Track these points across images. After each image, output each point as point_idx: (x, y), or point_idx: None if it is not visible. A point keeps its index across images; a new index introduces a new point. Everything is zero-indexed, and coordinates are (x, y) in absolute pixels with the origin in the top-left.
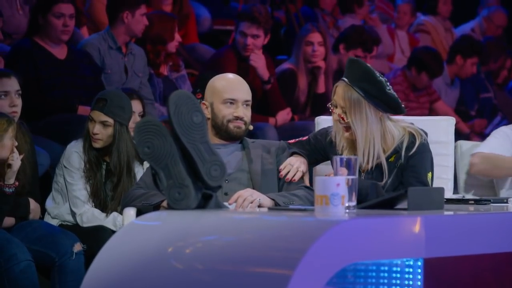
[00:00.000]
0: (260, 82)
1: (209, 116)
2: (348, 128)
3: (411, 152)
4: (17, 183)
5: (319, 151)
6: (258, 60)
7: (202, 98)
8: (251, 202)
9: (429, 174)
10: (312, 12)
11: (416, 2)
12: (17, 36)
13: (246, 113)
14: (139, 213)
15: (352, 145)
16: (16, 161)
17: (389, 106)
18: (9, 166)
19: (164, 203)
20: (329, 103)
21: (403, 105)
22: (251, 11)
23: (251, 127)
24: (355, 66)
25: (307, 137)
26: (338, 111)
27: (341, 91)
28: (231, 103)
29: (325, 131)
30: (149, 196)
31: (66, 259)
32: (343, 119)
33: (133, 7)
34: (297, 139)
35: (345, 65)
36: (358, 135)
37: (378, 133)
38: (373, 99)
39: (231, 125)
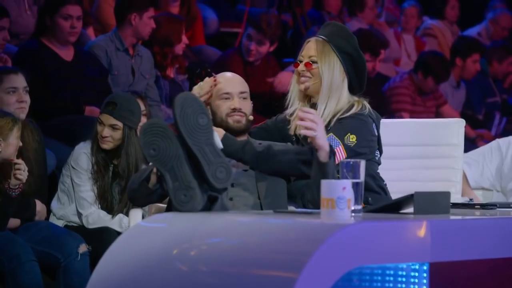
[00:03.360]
0: (267, 85)
1: (210, 117)
2: (309, 78)
3: (344, 115)
4: (21, 185)
5: (276, 130)
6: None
7: (202, 78)
8: (306, 128)
9: (352, 136)
10: (319, 15)
11: (423, 6)
12: (25, 37)
13: (243, 104)
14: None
15: (304, 98)
16: (24, 173)
17: (356, 65)
18: (17, 178)
19: (154, 170)
20: (293, 64)
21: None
22: (259, 19)
23: (251, 118)
24: (330, 25)
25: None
26: (304, 61)
27: (313, 44)
28: (226, 98)
29: (282, 115)
30: (141, 173)
31: (71, 260)
32: (309, 66)
33: (141, 10)
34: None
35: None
36: (324, 82)
37: (339, 89)
38: (343, 54)
39: (230, 120)
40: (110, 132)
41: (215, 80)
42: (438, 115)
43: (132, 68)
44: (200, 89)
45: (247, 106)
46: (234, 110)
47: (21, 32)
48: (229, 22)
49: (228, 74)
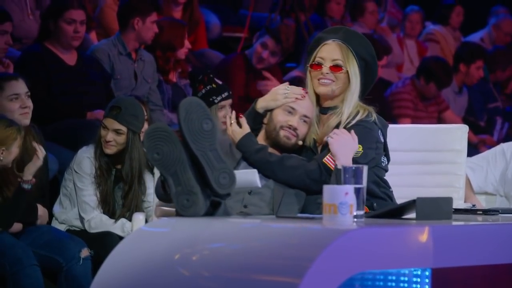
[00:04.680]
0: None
1: (266, 121)
2: (332, 81)
3: (350, 124)
4: (34, 180)
5: None
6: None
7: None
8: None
9: (358, 147)
10: (321, 20)
11: (426, 11)
12: (27, 41)
13: (301, 126)
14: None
15: (316, 101)
16: (41, 157)
17: (369, 72)
18: (34, 162)
19: None
20: (309, 64)
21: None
22: (279, 32)
23: (300, 142)
24: (343, 29)
25: None
26: (327, 64)
27: (336, 48)
28: (289, 112)
29: None
30: None
31: (73, 265)
32: (338, 69)
33: (144, 14)
34: None
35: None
36: (352, 86)
37: (357, 95)
38: (360, 60)
39: (281, 133)
40: (114, 136)
41: (306, 92)
42: (440, 120)
43: (135, 72)
44: (287, 90)
45: (303, 130)
46: (290, 126)
47: (23, 36)
48: (231, 27)
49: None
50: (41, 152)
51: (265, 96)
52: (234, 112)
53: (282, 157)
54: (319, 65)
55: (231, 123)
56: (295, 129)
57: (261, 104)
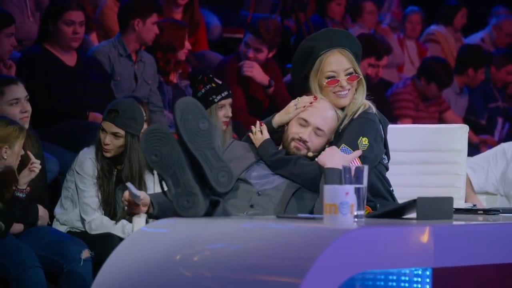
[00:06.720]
0: (263, 90)
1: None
2: (349, 90)
3: (355, 116)
4: (28, 189)
5: None
6: (251, 69)
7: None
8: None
9: (364, 139)
10: (322, 20)
11: (427, 11)
12: (28, 43)
13: (313, 139)
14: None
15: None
16: (37, 170)
17: (359, 58)
18: (32, 170)
19: None
20: (328, 80)
21: None
22: (258, 26)
23: (310, 154)
24: (331, 32)
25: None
26: (343, 77)
27: (343, 57)
28: (302, 124)
29: None
30: None
31: (74, 266)
32: (354, 78)
33: (144, 15)
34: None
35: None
36: (363, 79)
37: None
38: (355, 55)
39: (292, 144)
40: (112, 139)
41: (315, 98)
42: (441, 120)
43: (135, 74)
44: (297, 101)
45: (316, 143)
46: (300, 139)
47: (24, 38)
48: (232, 28)
49: (326, 104)
50: (37, 164)
51: (281, 111)
52: (258, 122)
53: (299, 157)
54: (335, 80)
55: (255, 132)
56: (305, 142)
57: (276, 119)
